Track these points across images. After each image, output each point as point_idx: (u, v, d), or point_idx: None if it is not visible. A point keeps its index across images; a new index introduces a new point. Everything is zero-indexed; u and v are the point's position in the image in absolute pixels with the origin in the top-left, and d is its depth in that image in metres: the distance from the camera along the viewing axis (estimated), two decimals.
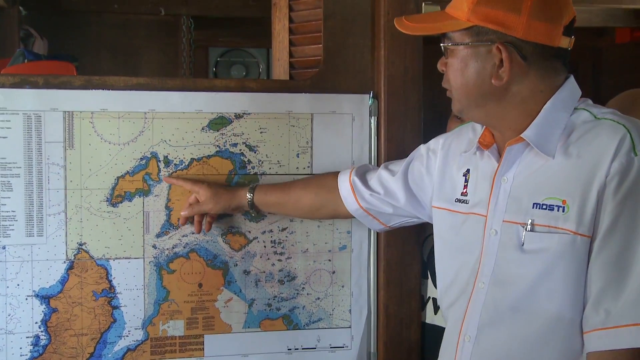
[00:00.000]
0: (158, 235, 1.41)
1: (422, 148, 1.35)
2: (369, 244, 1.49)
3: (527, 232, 1.08)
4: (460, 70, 1.11)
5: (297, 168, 1.45)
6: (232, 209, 1.41)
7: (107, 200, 1.38)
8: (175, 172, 1.42)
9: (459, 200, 1.23)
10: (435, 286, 1.39)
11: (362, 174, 1.39)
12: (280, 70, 1.68)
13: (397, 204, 1.34)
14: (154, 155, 1.40)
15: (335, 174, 1.41)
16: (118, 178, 1.39)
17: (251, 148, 1.43)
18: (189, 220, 1.41)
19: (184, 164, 1.41)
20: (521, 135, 1.10)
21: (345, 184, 1.38)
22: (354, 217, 1.40)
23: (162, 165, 1.40)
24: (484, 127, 1.20)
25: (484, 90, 1.10)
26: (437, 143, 1.32)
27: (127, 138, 1.39)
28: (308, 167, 1.47)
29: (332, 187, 1.40)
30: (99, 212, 1.38)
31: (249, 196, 1.39)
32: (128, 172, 1.39)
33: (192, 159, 1.41)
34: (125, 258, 1.40)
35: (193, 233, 1.43)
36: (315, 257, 1.48)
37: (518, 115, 1.11)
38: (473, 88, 1.11)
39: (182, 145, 1.41)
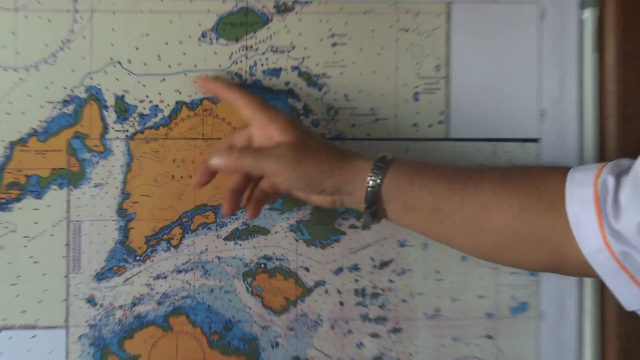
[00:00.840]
0: (100, 277, 0.63)
1: None
2: (581, 301, 0.66)
3: None
4: None
5: (414, 127, 0.65)
6: (325, 192, 0.58)
7: None
8: (142, 132, 0.63)
9: None
10: None
11: (620, 175, 0.54)
12: None
13: None
14: (94, 94, 0.62)
15: (563, 170, 0.56)
16: (12, 145, 0.62)
17: (312, 80, 0.64)
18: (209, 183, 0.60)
19: (161, 115, 0.64)
20: None
21: (584, 190, 0.54)
22: (588, 273, 0.54)
23: (110, 115, 0.62)
24: None
25: None
26: None
27: (35, 55, 0.62)
28: (440, 123, 0.66)
29: (554, 196, 0.55)
30: None
31: (372, 179, 0.57)
32: (35, 131, 0.62)
33: (181, 104, 0.63)
34: (28, 327, 0.62)
35: (181, 270, 0.67)
36: (455, 330, 0.66)
37: None
38: None
39: (157, 72, 0.63)
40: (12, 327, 0.62)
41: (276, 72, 0.64)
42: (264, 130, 0.58)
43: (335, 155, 0.57)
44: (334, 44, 0.64)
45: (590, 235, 0.51)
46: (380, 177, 0.55)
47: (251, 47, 0.64)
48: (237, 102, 0.59)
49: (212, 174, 0.59)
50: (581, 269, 0.53)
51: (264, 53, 0.64)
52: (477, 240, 0.55)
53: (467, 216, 0.54)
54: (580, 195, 0.52)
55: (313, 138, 0.58)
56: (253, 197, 0.60)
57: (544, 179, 0.55)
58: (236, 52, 0.64)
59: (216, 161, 0.58)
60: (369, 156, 0.57)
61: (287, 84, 0.64)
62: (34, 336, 0.62)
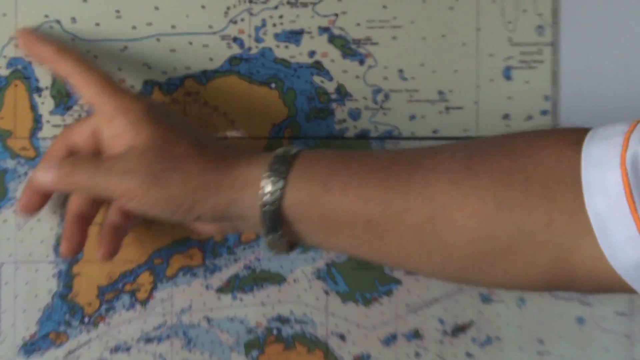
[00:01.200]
0: (29, 349, 0.41)
1: None
2: None
3: None
4: None
5: (504, 119, 0.43)
6: (203, 219, 0.39)
7: None
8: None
9: None
10: None
11: None
12: None
13: None
14: (20, 70, 0.41)
15: (568, 138, 0.36)
16: None
17: (350, 49, 0.43)
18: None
19: None
20: None
21: (607, 173, 0.34)
22: (614, 289, 0.36)
23: (45, 103, 0.41)
24: None
25: None
26: None
27: None
28: (544, 113, 0.43)
29: (551, 178, 0.36)
30: None
31: (267, 192, 0.37)
32: None
33: (152, 85, 0.42)
34: None
35: (152, 339, 0.44)
36: None
37: None
38: None
39: (115, 37, 0.42)
40: None
41: (296, 36, 0.43)
42: (111, 124, 0.39)
43: (212, 163, 0.38)
44: None
45: (626, 243, 0.33)
46: (278, 187, 0.37)
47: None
48: (72, 78, 0.40)
49: (42, 195, 0.41)
50: (603, 284, 0.37)
51: (277, 7, 0.43)
52: (438, 258, 0.38)
53: (418, 225, 0.36)
54: (602, 181, 0.34)
55: (181, 137, 0.38)
56: (106, 225, 0.41)
57: (534, 154, 0.36)
58: (235, 6, 0.42)
59: (41, 177, 0.39)
60: (262, 157, 0.38)
61: (312, 54, 0.43)
62: None
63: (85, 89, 0.39)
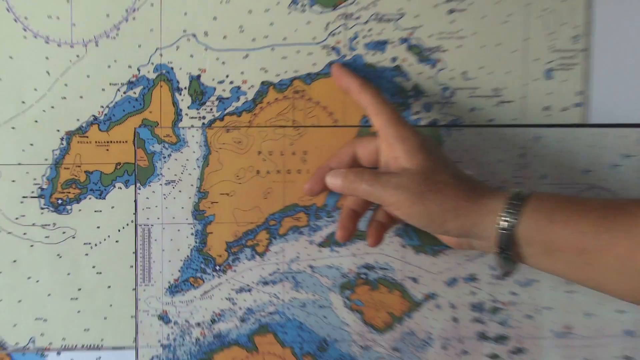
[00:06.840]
0: (173, 290, 0.56)
1: None
2: None
3: None
4: None
5: (545, 110, 0.56)
6: (449, 233, 0.51)
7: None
8: (222, 119, 0.55)
9: None
10: None
11: None
12: None
13: None
14: (165, 74, 0.54)
15: None
16: (69, 136, 0.54)
17: (424, 55, 0.56)
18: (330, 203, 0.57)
19: (244, 99, 0.55)
20: None
21: None
22: None
23: (184, 99, 0.54)
24: None
25: None
26: None
27: (94, 28, 0.53)
28: (577, 105, 0.57)
29: None
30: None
31: (505, 220, 0.49)
32: (96, 119, 0.55)
33: (267, 85, 0.55)
34: (92, 348, 0.55)
35: (268, 282, 0.60)
36: (588, 350, 0.59)
37: None
38: None
39: (239, 47, 0.54)
40: (73, 348, 0.57)
41: (381, 45, 0.56)
42: (391, 148, 0.52)
43: (464, 192, 0.50)
44: (451, 11, 0.56)
45: None
46: (515, 217, 0.48)
47: (351, 15, 0.56)
48: (367, 108, 0.53)
49: (325, 188, 0.55)
50: None
51: (366, 22, 0.56)
52: (633, 284, 0.47)
53: (621, 255, 0.46)
54: None
55: (443, 168, 0.51)
56: (374, 222, 0.55)
57: None
58: (333, 22, 0.55)
59: (330, 181, 0.53)
60: (502, 193, 0.50)
61: (394, 59, 0.56)
62: (98, 358, 0.57)
63: (376, 117, 0.52)
